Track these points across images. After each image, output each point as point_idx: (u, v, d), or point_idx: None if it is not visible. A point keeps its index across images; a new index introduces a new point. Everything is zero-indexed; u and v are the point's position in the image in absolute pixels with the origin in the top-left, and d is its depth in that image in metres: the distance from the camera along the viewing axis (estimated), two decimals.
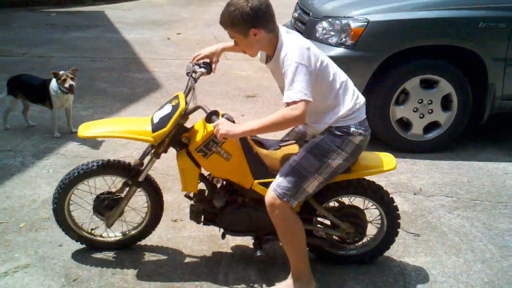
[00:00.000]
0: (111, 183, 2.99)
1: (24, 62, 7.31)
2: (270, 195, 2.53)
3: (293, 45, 2.40)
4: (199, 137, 2.61)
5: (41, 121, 5.13)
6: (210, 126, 2.56)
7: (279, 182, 2.51)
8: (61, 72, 4.57)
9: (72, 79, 4.58)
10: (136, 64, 7.54)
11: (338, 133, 2.50)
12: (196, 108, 2.63)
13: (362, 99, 2.61)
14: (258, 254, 2.74)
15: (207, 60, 2.88)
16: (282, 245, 2.66)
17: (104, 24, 10.44)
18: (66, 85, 4.53)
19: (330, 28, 4.56)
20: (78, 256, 3.00)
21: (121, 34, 9.54)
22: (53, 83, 4.63)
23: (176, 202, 3.64)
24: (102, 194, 2.88)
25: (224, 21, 2.51)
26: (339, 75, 2.56)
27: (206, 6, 12.81)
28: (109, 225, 2.91)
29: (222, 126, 2.38)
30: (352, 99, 2.54)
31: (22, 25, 10.09)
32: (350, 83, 2.60)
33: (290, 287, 2.65)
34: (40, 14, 11.38)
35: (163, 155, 4.01)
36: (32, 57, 7.68)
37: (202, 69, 2.80)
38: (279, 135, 3.00)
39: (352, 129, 2.50)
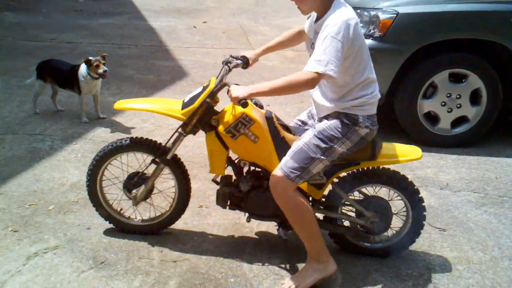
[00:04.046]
0: (142, 161, 3.04)
1: (52, 48, 7.42)
2: (275, 174, 2.57)
3: (338, 17, 2.34)
4: (228, 118, 2.66)
5: (69, 106, 5.21)
6: (238, 108, 2.62)
7: (286, 161, 2.56)
8: (93, 59, 4.63)
9: (104, 65, 4.64)
10: (162, 51, 7.59)
11: (345, 121, 2.53)
12: (223, 85, 2.66)
13: (377, 96, 2.60)
14: (283, 238, 2.79)
15: (246, 55, 2.97)
16: (293, 227, 2.68)
17: (131, 11, 10.52)
18: (100, 71, 4.60)
19: (359, 19, 4.51)
20: (105, 239, 3.05)
21: (147, 21, 9.61)
22: (82, 69, 4.69)
23: (202, 189, 3.67)
24: (133, 173, 2.99)
25: None
26: (369, 69, 2.54)
27: None
28: (135, 203, 2.99)
29: (233, 91, 2.43)
30: (371, 92, 2.55)
31: (51, 11, 10.22)
32: (374, 81, 2.58)
33: (311, 269, 2.66)
34: (68, 0, 11.51)
35: (188, 143, 4.07)
36: (60, 42, 7.79)
37: (239, 61, 2.88)
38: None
39: (360, 119, 2.53)
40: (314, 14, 2.66)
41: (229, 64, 2.82)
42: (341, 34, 2.30)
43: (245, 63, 2.94)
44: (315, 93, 2.70)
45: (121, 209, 3.18)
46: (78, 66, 4.75)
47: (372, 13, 4.38)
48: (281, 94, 2.48)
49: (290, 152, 2.59)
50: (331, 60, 2.28)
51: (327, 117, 2.62)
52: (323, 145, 2.53)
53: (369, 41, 4.34)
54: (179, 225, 3.18)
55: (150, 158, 2.95)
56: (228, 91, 2.49)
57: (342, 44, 2.30)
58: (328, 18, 2.39)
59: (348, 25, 2.33)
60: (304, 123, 2.90)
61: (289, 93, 2.44)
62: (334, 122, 2.56)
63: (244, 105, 2.41)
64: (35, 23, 8.99)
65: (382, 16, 4.30)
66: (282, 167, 2.56)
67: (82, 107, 4.86)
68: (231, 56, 2.91)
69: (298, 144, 2.59)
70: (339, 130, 2.54)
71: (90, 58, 4.63)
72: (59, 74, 4.90)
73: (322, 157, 2.54)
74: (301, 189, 2.73)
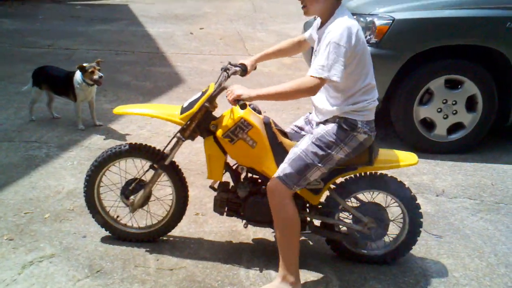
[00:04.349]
0: (140, 168, 3.04)
1: (49, 54, 7.42)
2: (273, 180, 2.58)
3: (341, 24, 2.39)
4: (226, 123, 2.69)
5: (66, 113, 5.21)
6: (237, 113, 2.64)
7: (284, 169, 2.57)
8: (87, 65, 4.62)
9: (99, 71, 4.64)
10: (159, 58, 7.60)
11: (344, 126, 2.54)
12: (222, 89, 2.69)
13: (376, 103, 2.62)
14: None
15: (244, 62, 2.99)
16: (276, 238, 2.65)
17: (128, 17, 10.53)
18: (95, 77, 4.59)
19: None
20: (101, 248, 3.04)
21: (144, 27, 9.62)
22: (77, 76, 4.68)
23: (198, 197, 3.67)
24: (130, 179, 2.99)
25: None
26: (371, 75, 2.57)
27: (229, 1, 12.82)
28: (132, 210, 2.99)
29: (236, 89, 2.48)
30: (371, 99, 2.57)
31: (48, 17, 10.22)
32: (375, 86, 2.61)
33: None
34: (66, 7, 11.53)
35: (185, 150, 4.07)
36: (57, 49, 7.79)
37: (237, 68, 2.89)
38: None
39: (359, 125, 2.54)
40: (317, 22, 2.69)
41: (227, 71, 2.83)
42: (344, 40, 2.34)
43: (243, 70, 2.95)
44: (317, 97, 2.69)
45: (117, 216, 3.17)
46: (73, 73, 4.74)
47: (368, 19, 4.39)
48: (285, 99, 2.55)
49: (287, 159, 2.60)
50: (334, 65, 2.34)
51: (325, 122, 2.63)
52: (321, 152, 2.54)
53: None
54: (175, 232, 3.17)
55: (148, 164, 2.95)
56: (227, 91, 2.53)
57: (345, 50, 2.34)
58: (331, 25, 2.43)
59: (350, 31, 2.36)
60: (301, 128, 2.91)
61: (294, 98, 2.51)
62: (332, 128, 2.57)
63: (243, 106, 2.45)
64: (32, 30, 9.00)
65: (378, 22, 4.31)
66: (279, 174, 2.57)
67: (78, 114, 4.85)
68: (230, 63, 2.92)
69: (295, 151, 2.59)
70: (337, 135, 2.54)
71: (84, 65, 4.63)
72: (54, 81, 4.90)
73: (320, 165, 2.55)
74: (298, 195, 2.73)
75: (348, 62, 2.40)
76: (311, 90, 2.40)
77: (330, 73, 2.33)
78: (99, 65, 4.71)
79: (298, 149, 2.59)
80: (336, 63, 2.33)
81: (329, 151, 2.54)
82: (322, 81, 2.36)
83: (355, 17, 4.44)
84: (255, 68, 3.06)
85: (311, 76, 2.37)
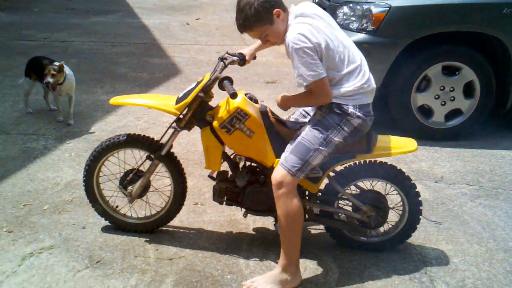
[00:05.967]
0: (139, 158, 3.05)
1: (45, 47, 7.37)
2: (278, 171, 2.57)
3: (293, 28, 2.46)
4: (222, 114, 2.66)
5: (63, 106, 5.16)
6: (233, 103, 2.62)
7: (286, 157, 2.58)
8: (50, 66, 4.51)
9: (53, 75, 4.47)
10: (155, 49, 7.56)
11: (337, 110, 2.55)
12: (215, 79, 2.66)
13: (372, 86, 2.60)
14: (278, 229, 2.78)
15: (243, 52, 2.96)
16: (280, 228, 2.63)
17: (124, 9, 10.46)
18: (45, 80, 4.49)
19: (351, 13, 4.51)
20: (100, 238, 3.04)
21: (140, 19, 9.56)
22: None
23: (197, 187, 3.67)
24: (129, 170, 3.00)
25: (246, 24, 2.54)
26: (352, 58, 2.55)
27: None
28: (131, 200, 2.99)
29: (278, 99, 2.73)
30: (359, 82, 2.53)
31: (43, 10, 10.14)
32: (364, 67, 2.59)
33: (276, 278, 2.63)
34: None
35: (183, 141, 4.06)
36: (53, 41, 7.74)
37: (235, 57, 2.86)
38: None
39: (350, 109, 2.53)
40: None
41: (225, 61, 2.80)
42: (303, 39, 2.40)
43: (242, 60, 2.91)
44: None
45: (117, 206, 3.17)
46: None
47: (365, 6, 4.37)
48: (304, 106, 2.88)
49: (288, 148, 2.60)
50: (308, 66, 2.44)
51: (321, 108, 2.63)
52: (320, 135, 2.54)
53: (362, 35, 4.35)
54: (174, 222, 3.17)
55: (146, 154, 2.95)
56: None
57: (309, 47, 2.41)
58: (288, 32, 2.50)
59: (304, 30, 2.42)
60: (308, 113, 2.90)
61: (312, 106, 2.80)
62: (328, 113, 2.58)
63: (233, 96, 2.47)
64: (28, 23, 8.93)
65: (375, 10, 4.29)
66: (282, 163, 2.56)
67: (58, 106, 4.80)
68: (227, 53, 2.88)
69: (297, 140, 2.59)
70: (333, 119, 2.55)
71: (50, 65, 4.52)
72: (39, 70, 4.84)
73: (321, 148, 2.54)
74: (299, 185, 2.73)
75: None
76: (322, 99, 2.55)
77: (313, 76, 2.43)
78: (61, 69, 4.54)
79: (299, 138, 2.59)
80: (307, 63, 2.41)
81: (327, 133, 2.54)
82: (319, 85, 2.46)
83: (351, 4, 4.48)
84: (254, 58, 3.04)
85: (305, 85, 2.51)
